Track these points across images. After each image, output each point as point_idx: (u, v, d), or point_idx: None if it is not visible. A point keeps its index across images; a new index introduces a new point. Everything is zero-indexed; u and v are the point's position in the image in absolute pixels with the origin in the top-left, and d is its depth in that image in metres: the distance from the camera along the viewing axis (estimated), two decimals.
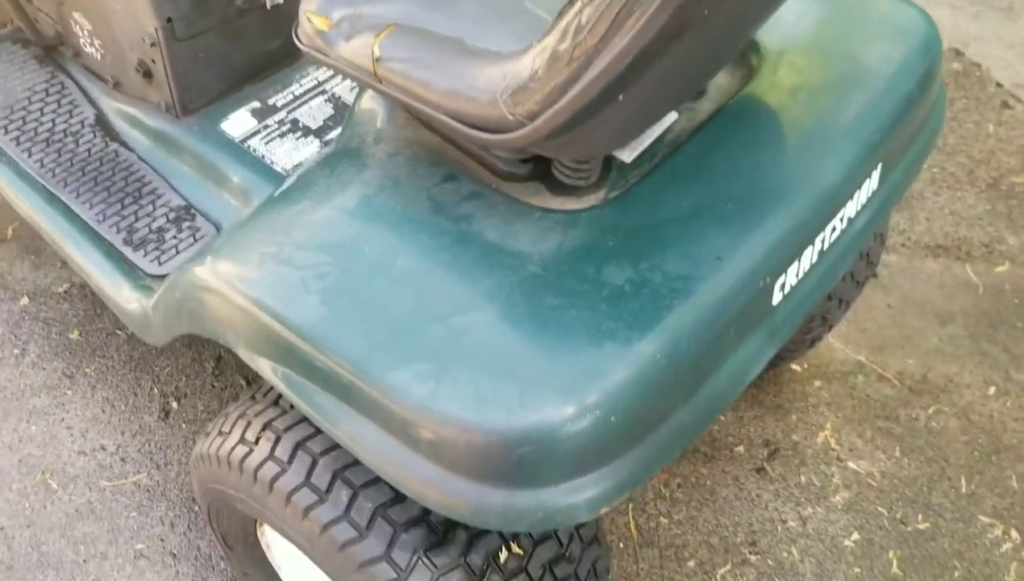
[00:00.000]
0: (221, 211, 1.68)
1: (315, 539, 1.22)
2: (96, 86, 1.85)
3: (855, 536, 1.97)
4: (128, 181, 1.72)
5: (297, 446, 1.25)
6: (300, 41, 1.20)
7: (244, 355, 1.19)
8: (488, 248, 1.13)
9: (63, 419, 1.96)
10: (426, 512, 1.21)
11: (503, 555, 1.24)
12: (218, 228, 1.66)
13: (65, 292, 2.17)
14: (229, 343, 1.21)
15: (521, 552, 1.25)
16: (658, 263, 1.11)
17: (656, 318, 1.06)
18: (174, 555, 1.80)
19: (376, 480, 1.21)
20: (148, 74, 1.71)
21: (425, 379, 1.01)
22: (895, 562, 1.93)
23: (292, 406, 1.31)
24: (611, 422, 1.01)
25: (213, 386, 2.05)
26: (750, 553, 1.94)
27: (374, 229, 1.15)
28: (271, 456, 1.25)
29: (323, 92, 1.83)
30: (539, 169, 1.22)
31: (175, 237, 1.65)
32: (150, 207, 1.69)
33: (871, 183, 1.31)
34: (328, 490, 1.21)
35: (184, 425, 1.97)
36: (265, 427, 1.29)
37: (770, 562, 1.93)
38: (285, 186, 1.26)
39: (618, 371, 1.02)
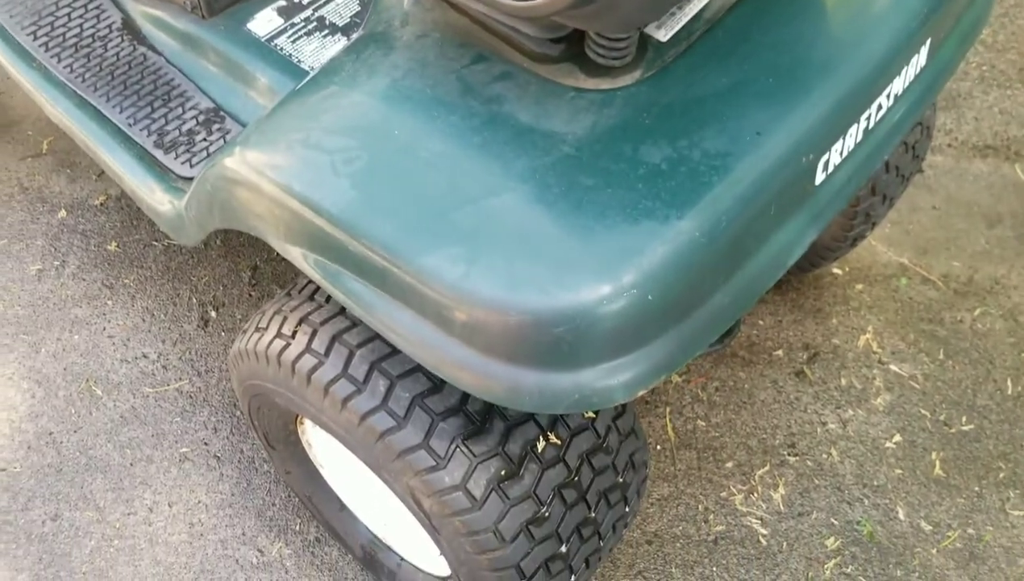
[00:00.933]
0: (250, 112, 1.66)
1: (353, 429, 1.22)
2: None
3: (897, 438, 1.95)
4: (157, 84, 1.71)
5: (334, 338, 1.25)
6: None
7: (276, 245, 1.18)
8: (520, 129, 1.09)
9: (104, 328, 1.98)
10: (464, 401, 1.21)
11: (540, 444, 1.24)
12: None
13: (102, 204, 2.18)
14: (261, 234, 1.20)
15: (558, 442, 1.25)
16: (696, 141, 1.07)
17: (695, 196, 1.03)
18: (218, 458, 1.83)
19: (413, 370, 1.21)
20: None
21: (458, 261, 1.00)
22: (938, 463, 1.91)
23: (328, 299, 1.31)
24: (648, 302, 0.99)
25: (250, 295, 2.06)
26: (788, 455, 1.93)
27: (403, 112, 1.13)
28: (308, 349, 1.25)
29: None
30: (572, 50, 1.18)
31: (205, 139, 1.64)
32: (179, 110, 1.67)
33: (919, 59, 1.25)
34: (365, 380, 1.21)
35: (223, 333, 1.99)
36: (301, 321, 1.29)
37: (809, 463, 1.92)
38: (313, 74, 1.24)
39: (655, 250, 0.99)
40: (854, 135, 1.19)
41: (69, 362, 1.94)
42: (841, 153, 1.18)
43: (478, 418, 1.21)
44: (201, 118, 1.67)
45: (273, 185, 1.12)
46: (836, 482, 1.89)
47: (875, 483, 1.89)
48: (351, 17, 1.73)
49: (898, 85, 1.23)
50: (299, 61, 1.65)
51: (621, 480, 1.35)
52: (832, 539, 1.81)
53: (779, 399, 2.00)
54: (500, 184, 1.05)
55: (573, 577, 1.34)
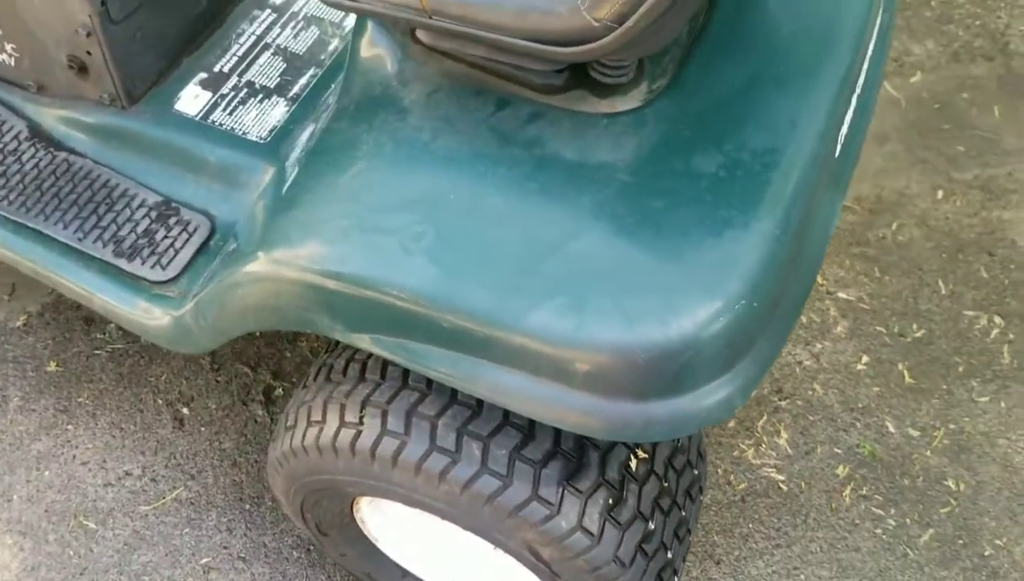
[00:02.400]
0: (204, 198, 1.56)
1: (456, 500, 1.20)
2: (16, 95, 1.66)
3: (864, 359, 2.09)
4: (93, 190, 1.58)
5: (409, 415, 1.21)
6: None
7: (337, 335, 1.14)
8: (570, 167, 1.10)
9: (75, 456, 1.83)
10: (557, 443, 1.21)
11: (633, 462, 1.25)
12: (208, 217, 1.55)
13: (24, 325, 2.00)
14: (315, 328, 1.15)
15: (646, 455, 1.27)
16: (741, 141, 1.11)
17: (762, 195, 1.07)
18: (243, 558, 1.74)
19: (501, 426, 1.20)
20: (83, 69, 1.55)
21: (566, 313, 0.99)
22: (906, 373, 2.06)
23: (383, 376, 1.27)
24: (754, 308, 1.02)
25: (217, 382, 1.95)
26: (779, 400, 2.03)
27: (450, 174, 1.10)
28: (385, 431, 1.21)
29: (266, 47, 1.71)
30: (575, 76, 1.19)
31: (167, 236, 1.53)
32: (127, 211, 1.56)
33: (878, 23, 1.34)
34: (458, 448, 1.18)
35: (202, 428, 1.88)
36: (364, 404, 1.24)
37: (799, 403, 2.03)
38: (320, 153, 1.19)
39: (749, 256, 1.03)
40: (853, 105, 1.26)
41: (48, 502, 1.78)
42: (848, 123, 1.25)
43: (574, 455, 1.21)
44: (154, 214, 1.56)
45: (335, 278, 1.08)
46: (828, 414, 2.01)
47: (860, 405, 2.02)
48: (280, 76, 1.66)
49: (870, 45, 1.31)
50: (244, 133, 1.57)
51: (696, 472, 1.39)
52: (841, 467, 1.93)
53: None
54: (575, 226, 1.05)
55: (677, 578, 1.37)
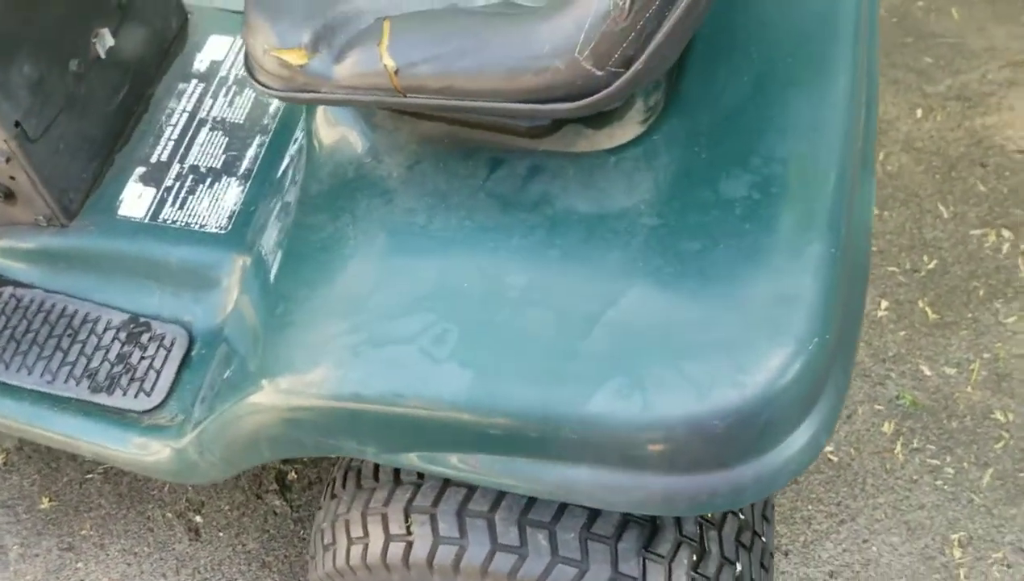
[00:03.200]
0: (174, 307, 1.42)
1: None
2: None
3: (884, 304, 2.01)
4: (50, 322, 1.43)
5: (460, 516, 1.10)
6: (268, 88, 0.96)
7: (376, 458, 1.02)
8: (589, 222, 0.98)
9: None
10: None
11: None
12: (183, 326, 1.41)
13: (5, 464, 1.84)
14: (350, 452, 1.03)
15: None
16: (767, 153, 1.00)
17: (806, 211, 0.96)
18: None
19: (564, 507, 1.09)
20: (10, 195, 1.40)
21: (626, 394, 0.88)
22: (928, 310, 1.99)
23: (421, 476, 1.15)
24: (827, 341, 0.91)
25: (224, 480, 1.82)
26: None
27: (459, 259, 0.98)
28: (438, 538, 1.10)
29: (201, 122, 1.56)
30: None
31: (143, 357, 1.39)
32: (94, 339, 1.41)
33: None
34: (523, 543, 1.08)
35: (221, 534, 1.75)
36: (408, 512, 1.12)
37: None
38: (294, 256, 1.06)
39: (810, 285, 0.92)
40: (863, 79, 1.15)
41: None
42: (865, 95, 1.14)
43: (648, 519, 1.11)
44: (123, 336, 1.41)
45: (353, 402, 0.95)
46: (860, 370, 1.92)
47: (890, 354, 1.94)
48: (224, 153, 1.51)
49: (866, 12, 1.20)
50: (201, 226, 1.43)
51: None
52: (886, 424, 1.85)
53: None
54: (610, 289, 0.94)
55: None
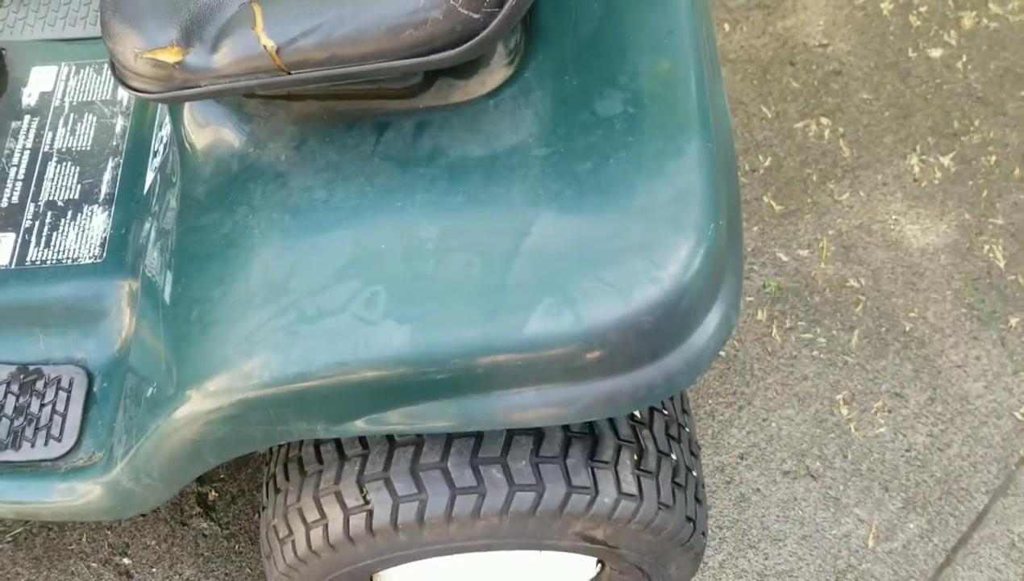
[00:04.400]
0: (63, 347, 1.37)
1: (496, 528, 1.15)
2: None
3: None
4: None
5: (413, 472, 1.13)
6: (146, 92, 0.95)
7: (327, 432, 1.04)
8: (484, 164, 1.03)
9: None
10: (566, 429, 1.17)
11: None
12: (77, 364, 1.36)
13: None
14: (298, 434, 1.04)
15: None
16: (631, 69, 1.07)
17: (679, 113, 1.04)
18: None
19: (509, 439, 1.14)
20: None
21: (558, 312, 0.94)
22: (773, 203, 2.15)
23: (365, 446, 1.17)
24: (720, 226, 1.00)
25: (143, 516, 1.77)
26: None
27: (369, 224, 1.01)
28: (397, 498, 1.13)
29: (47, 157, 1.49)
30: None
31: (43, 404, 1.34)
32: None
33: None
34: (479, 481, 1.12)
35: (154, 570, 1.71)
36: (360, 484, 1.15)
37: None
38: (191, 260, 1.06)
39: (698, 178, 1.00)
40: None
41: None
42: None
43: (586, 431, 1.18)
44: (15, 388, 1.35)
45: (299, 381, 0.97)
46: None
47: (749, 249, 2.09)
48: (79, 182, 1.46)
49: None
50: (74, 259, 1.38)
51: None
52: (759, 312, 2.00)
53: None
54: (520, 221, 0.99)
55: (703, 489, 1.39)
